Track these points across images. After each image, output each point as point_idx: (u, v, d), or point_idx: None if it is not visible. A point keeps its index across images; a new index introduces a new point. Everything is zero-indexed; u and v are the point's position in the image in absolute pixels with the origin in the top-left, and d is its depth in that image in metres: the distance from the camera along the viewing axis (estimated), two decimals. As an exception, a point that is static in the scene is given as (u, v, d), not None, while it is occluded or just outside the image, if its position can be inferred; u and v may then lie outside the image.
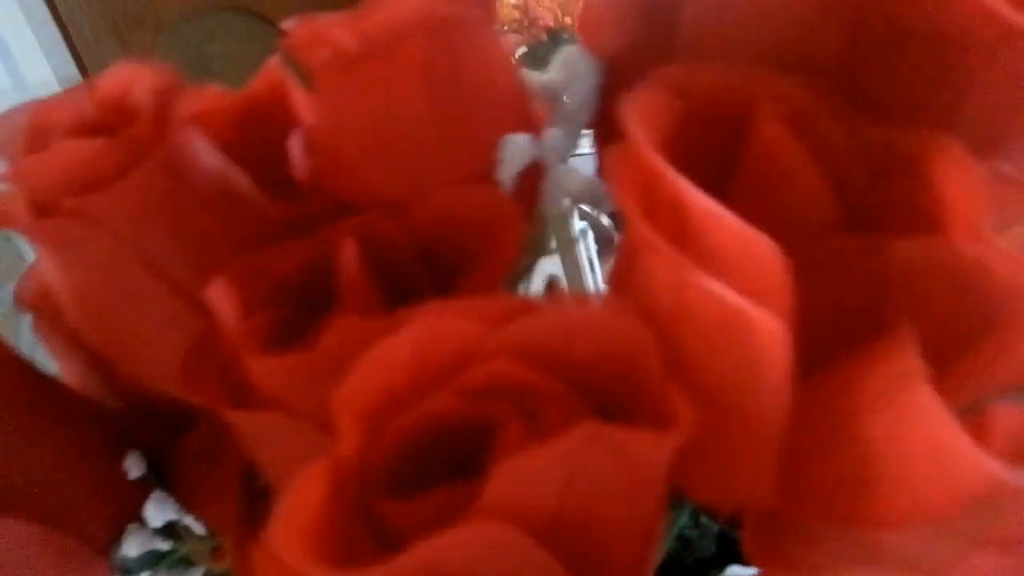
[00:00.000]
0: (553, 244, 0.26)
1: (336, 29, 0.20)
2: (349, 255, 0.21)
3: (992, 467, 0.13)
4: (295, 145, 0.25)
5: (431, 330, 0.15)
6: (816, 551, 0.16)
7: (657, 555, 0.17)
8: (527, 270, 0.29)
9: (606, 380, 0.15)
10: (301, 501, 0.14)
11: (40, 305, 0.26)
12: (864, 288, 0.14)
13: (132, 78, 0.21)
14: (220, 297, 0.19)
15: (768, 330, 0.13)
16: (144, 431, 0.25)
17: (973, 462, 0.13)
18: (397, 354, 0.15)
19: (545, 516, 0.14)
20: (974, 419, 0.16)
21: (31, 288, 0.26)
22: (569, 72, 0.24)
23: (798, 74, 0.16)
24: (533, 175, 0.24)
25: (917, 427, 0.13)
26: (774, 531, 0.16)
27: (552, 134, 0.23)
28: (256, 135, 0.25)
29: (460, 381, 0.15)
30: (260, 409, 0.19)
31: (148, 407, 0.26)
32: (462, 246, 0.21)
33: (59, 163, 0.19)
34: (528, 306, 0.15)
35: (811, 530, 0.16)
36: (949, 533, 0.14)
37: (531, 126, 0.22)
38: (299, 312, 0.21)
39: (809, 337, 0.14)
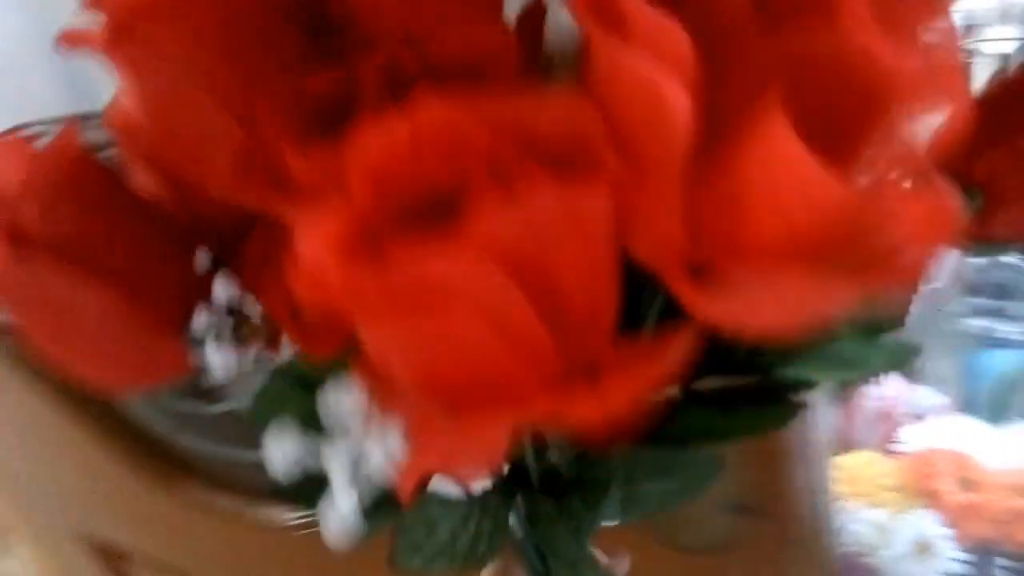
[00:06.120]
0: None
1: None
2: (372, 79, 0.25)
3: (836, 187, 0.17)
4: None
5: (427, 111, 0.19)
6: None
7: (615, 313, 0.22)
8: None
9: (559, 146, 0.19)
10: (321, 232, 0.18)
11: (122, 126, 0.31)
12: (761, 75, 0.18)
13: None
14: (269, 109, 0.24)
15: (675, 99, 0.17)
16: (209, 235, 0.30)
17: (823, 184, 0.17)
18: (398, 128, 0.19)
19: (515, 263, 0.19)
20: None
21: (116, 113, 0.31)
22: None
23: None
24: (537, 16, 0.27)
25: (779, 159, 0.17)
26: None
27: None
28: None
29: (445, 151, 0.19)
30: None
31: (212, 215, 0.31)
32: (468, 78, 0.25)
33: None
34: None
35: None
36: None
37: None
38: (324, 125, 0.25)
39: (712, 111, 0.18)
